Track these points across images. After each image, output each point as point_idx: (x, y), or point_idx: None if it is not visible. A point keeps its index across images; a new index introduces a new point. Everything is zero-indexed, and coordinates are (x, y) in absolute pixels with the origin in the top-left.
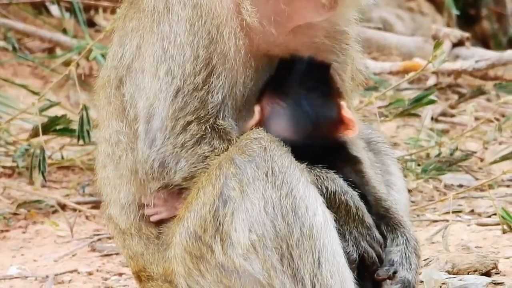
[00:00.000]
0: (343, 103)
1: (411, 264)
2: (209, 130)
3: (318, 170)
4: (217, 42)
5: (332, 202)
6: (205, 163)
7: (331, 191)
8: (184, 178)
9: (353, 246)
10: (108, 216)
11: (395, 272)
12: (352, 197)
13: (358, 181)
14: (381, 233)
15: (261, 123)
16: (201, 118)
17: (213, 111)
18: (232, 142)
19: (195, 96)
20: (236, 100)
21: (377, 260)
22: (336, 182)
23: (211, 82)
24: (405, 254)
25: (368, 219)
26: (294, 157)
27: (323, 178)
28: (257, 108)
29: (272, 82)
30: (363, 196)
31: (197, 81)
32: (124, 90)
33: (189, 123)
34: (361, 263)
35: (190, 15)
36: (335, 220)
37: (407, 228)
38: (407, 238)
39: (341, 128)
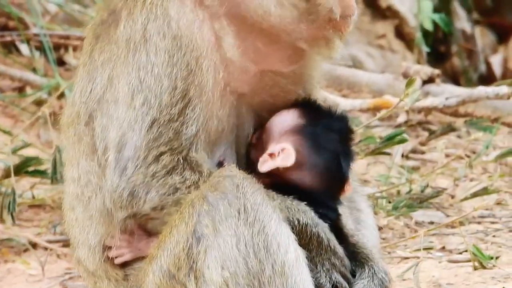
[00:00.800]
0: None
1: None
2: (181, 161)
3: (290, 201)
4: (195, 74)
5: (304, 234)
6: (175, 195)
7: (303, 223)
8: (153, 208)
9: (325, 277)
10: (77, 259)
11: None
12: (323, 229)
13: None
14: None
15: (292, 166)
16: (174, 149)
17: (186, 142)
18: (202, 174)
19: (170, 127)
20: (210, 133)
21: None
22: (308, 215)
23: (186, 114)
24: (369, 286)
25: (340, 250)
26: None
27: (295, 210)
28: (285, 149)
29: (301, 124)
30: (335, 228)
31: (173, 112)
32: (94, 124)
33: (162, 153)
34: None
35: (169, 46)
36: (307, 252)
37: (375, 261)
38: (374, 271)
39: (343, 190)
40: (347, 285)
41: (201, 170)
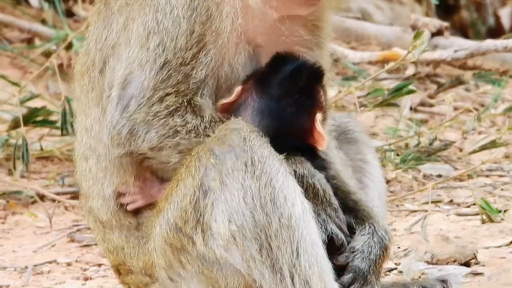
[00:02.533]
0: (318, 116)
1: (370, 254)
2: (185, 104)
3: (286, 153)
4: (214, 19)
5: (300, 185)
6: (175, 138)
7: (299, 174)
8: (151, 148)
9: (321, 227)
10: (88, 209)
11: (352, 260)
12: (319, 180)
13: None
14: (349, 226)
15: (232, 106)
16: (180, 92)
17: (193, 86)
18: (204, 119)
19: (181, 70)
20: (218, 80)
21: (345, 242)
22: (304, 165)
23: (199, 58)
24: (368, 243)
25: (335, 201)
26: None
27: (291, 160)
28: (236, 90)
29: (260, 72)
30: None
31: (186, 55)
32: (106, 70)
33: (167, 94)
34: (329, 245)
35: None
36: None
37: (376, 219)
38: (374, 229)
39: (310, 139)
40: (342, 236)
41: (203, 115)
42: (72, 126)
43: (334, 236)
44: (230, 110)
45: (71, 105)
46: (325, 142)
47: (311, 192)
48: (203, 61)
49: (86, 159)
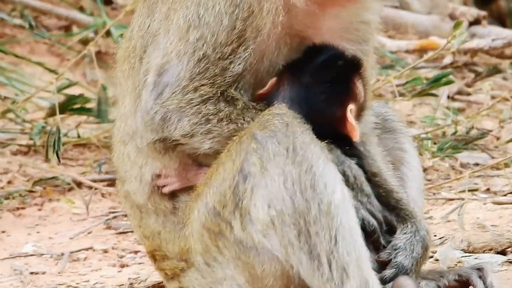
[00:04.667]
0: (351, 106)
1: (413, 252)
2: (219, 94)
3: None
4: (255, 16)
5: None
6: (206, 126)
7: None
8: (183, 135)
9: None
10: (125, 193)
11: (394, 257)
12: (350, 166)
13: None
14: (391, 224)
15: (266, 96)
16: (215, 84)
17: (229, 80)
18: (237, 107)
19: (218, 64)
20: (258, 74)
21: (377, 228)
22: (333, 152)
23: (237, 53)
24: (410, 241)
25: (367, 187)
26: None
27: None
28: (271, 81)
29: (294, 63)
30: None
31: (226, 50)
32: (144, 57)
33: (202, 85)
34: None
35: None
36: None
37: (418, 218)
38: (417, 228)
39: (343, 129)
40: (375, 222)
41: (236, 103)
42: (107, 114)
43: (365, 222)
44: (264, 100)
45: (107, 93)
46: (357, 133)
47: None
48: (242, 56)
49: (124, 144)
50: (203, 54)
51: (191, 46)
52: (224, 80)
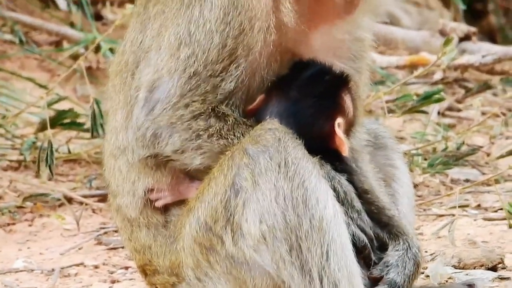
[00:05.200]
0: (339, 121)
1: (405, 269)
2: (209, 110)
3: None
4: (246, 34)
5: None
6: (196, 141)
7: None
8: (174, 151)
9: None
10: (116, 207)
11: (386, 273)
12: (340, 181)
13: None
14: (383, 241)
15: (255, 111)
16: (206, 100)
17: (220, 97)
18: (227, 123)
19: (209, 81)
20: (249, 91)
21: (368, 244)
22: (323, 168)
23: (229, 70)
24: (402, 258)
25: (357, 203)
26: None
27: None
28: (260, 97)
29: (282, 78)
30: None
31: (217, 68)
32: (136, 73)
33: (193, 101)
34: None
35: (225, 4)
36: None
37: (410, 235)
38: (409, 245)
39: (331, 144)
40: (365, 238)
41: (227, 119)
42: (102, 128)
43: (356, 238)
44: (254, 115)
45: (100, 107)
46: (346, 147)
47: None
48: (233, 74)
49: (115, 158)
50: (194, 72)
51: (182, 63)
52: (215, 97)
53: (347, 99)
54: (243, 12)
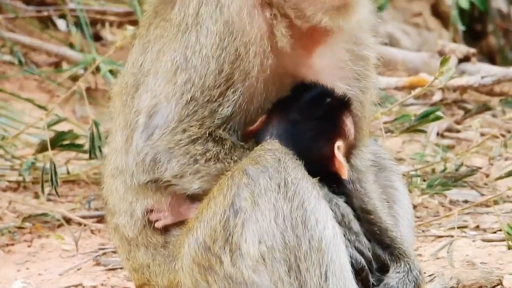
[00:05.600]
0: (339, 143)
1: None
2: (207, 135)
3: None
4: (242, 59)
5: None
6: (194, 166)
7: None
8: (173, 176)
9: None
10: (114, 226)
11: None
12: (337, 204)
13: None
14: (384, 262)
15: (255, 133)
16: (204, 125)
17: (218, 122)
18: (224, 147)
19: (207, 107)
20: (247, 115)
21: (366, 266)
22: (322, 190)
23: (226, 95)
24: (403, 281)
25: (356, 225)
26: None
27: None
28: (260, 118)
29: (283, 100)
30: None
31: (214, 93)
32: (136, 96)
33: (191, 126)
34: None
35: (220, 30)
36: None
37: (412, 258)
38: (410, 268)
39: (331, 166)
40: (363, 260)
41: (224, 143)
42: (100, 150)
43: (353, 260)
44: (254, 137)
45: (99, 129)
46: (345, 170)
47: None
48: (231, 99)
49: (113, 177)
50: (191, 97)
51: (179, 89)
52: (213, 122)
53: (348, 122)
54: (238, 38)
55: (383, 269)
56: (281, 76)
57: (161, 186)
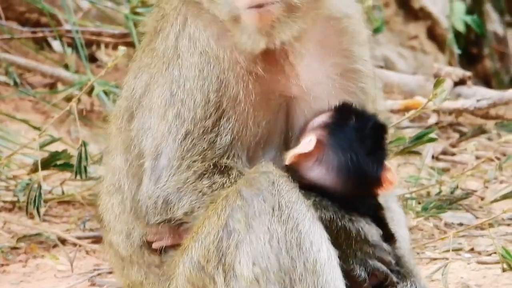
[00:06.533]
0: (388, 164)
1: None
2: (212, 166)
3: (313, 198)
4: (226, 86)
5: (330, 229)
6: (202, 199)
7: (327, 219)
8: (185, 213)
9: (359, 267)
10: (108, 243)
11: None
12: (351, 218)
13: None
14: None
15: (306, 157)
16: (206, 158)
17: (219, 151)
18: (230, 177)
19: (204, 138)
20: (248, 140)
21: (389, 273)
22: (330, 209)
23: (220, 125)
24: None
25: (373, 237)
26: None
27: (318, 207)
28: (310, 140)
29: (331, 123)
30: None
31: (207, 124)
32: (132, 125)
33: (194, 161)
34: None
35: (198, 61)
36: (338, 246)
37: (418, 277)
38: (416, 287)
39: (378, 187)
40: (385, 268)
41: (230, 172)
42: (85, 170)
43: (375, 271)
44: (303, 162)
45: (86, 150)
46: (393, 187)
47: (343, 234)
48: (226, 127)
49: (109, 194)
50: (185, 131)
51: (173, 125)
52: (215, 153)
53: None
54: (216, 66)
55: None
56: (271, 96)
57: (175, 226)
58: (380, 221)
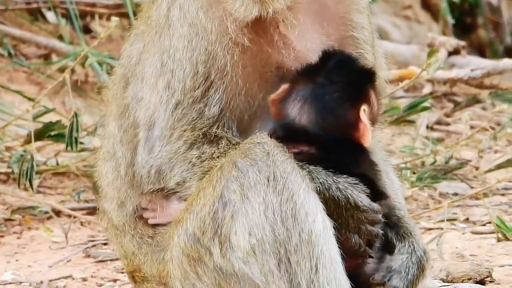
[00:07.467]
0: (364, 108)
1: (408, 274)
2: (201, 136)
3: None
4: (214, 58)
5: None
6: (192, 170)
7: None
8: (177, 183)
9: (354, 235)
10: (102, 209)
11: (389, 280)
12: (338, 188)
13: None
14: (390, 241)
15: (279, 101)
16: (196, 127)
17: (209, 121)
18: (219, 147)
19: (194, 108)
20: (239, 110)
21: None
22: (317, 181)
23: (209, 95)
24: (406, 263)
25: (363, 201)
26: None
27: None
28: (283, 86)
29: (308, 67)
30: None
31: (196, 94)
32: (127, 92)
33: (184, 131)
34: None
35: (187, 32)
36: (330, 217)
37: (417, 238)
38: (413, 248)
39: (355, 133)
40: (379, 231)
41: (219, 142)
42: (76, 141)
43: (369, 234)
44: (278, 104)
45: (78, 121)
46: (369, 135)
47: (332, 204)
48: (215, 98)
49: (105, 160)
50: (175, 101)
51: (164, 95)
52: (204, 123)
53: (372, 93)
54: (205, 37)
55: (389, 249)
56: (265, 68)
57: (168, 195)
58: (370, 179)
